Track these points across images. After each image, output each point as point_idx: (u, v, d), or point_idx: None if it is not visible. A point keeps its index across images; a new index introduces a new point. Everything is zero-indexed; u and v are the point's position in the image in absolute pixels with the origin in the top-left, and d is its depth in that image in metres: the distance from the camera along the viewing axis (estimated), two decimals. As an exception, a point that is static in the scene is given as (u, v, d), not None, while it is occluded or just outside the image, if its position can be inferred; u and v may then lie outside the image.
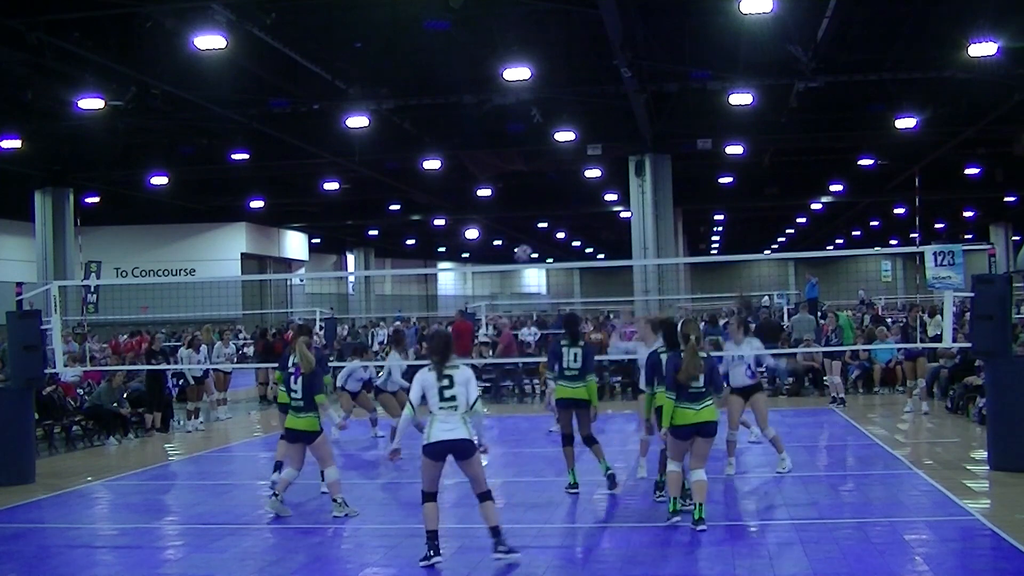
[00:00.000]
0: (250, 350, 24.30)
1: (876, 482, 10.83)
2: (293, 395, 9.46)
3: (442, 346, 7.91)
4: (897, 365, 19.71)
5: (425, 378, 7.80)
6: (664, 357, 9.08)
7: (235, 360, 19.68)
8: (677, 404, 8.50)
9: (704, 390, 8.53)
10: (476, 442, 7.74)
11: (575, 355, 10.21)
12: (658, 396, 9.19)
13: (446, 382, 7.68)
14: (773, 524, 8.74)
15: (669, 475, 8.83)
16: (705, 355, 8.68)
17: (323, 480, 10.06)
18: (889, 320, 26.66)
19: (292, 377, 9.48)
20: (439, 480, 7.77)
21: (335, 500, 9.55)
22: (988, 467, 10.98)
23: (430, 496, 7.72)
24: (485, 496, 7.77)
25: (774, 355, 19.57)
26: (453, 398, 7.66)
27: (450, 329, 21.24)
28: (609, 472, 10.32)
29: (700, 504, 8.48)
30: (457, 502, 9.76)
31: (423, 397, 7.81)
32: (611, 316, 27.74)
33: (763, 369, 12.14)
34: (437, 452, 7.67)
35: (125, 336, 27.30)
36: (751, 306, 13.27)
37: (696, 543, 8.08)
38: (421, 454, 7.74)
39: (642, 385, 9.78)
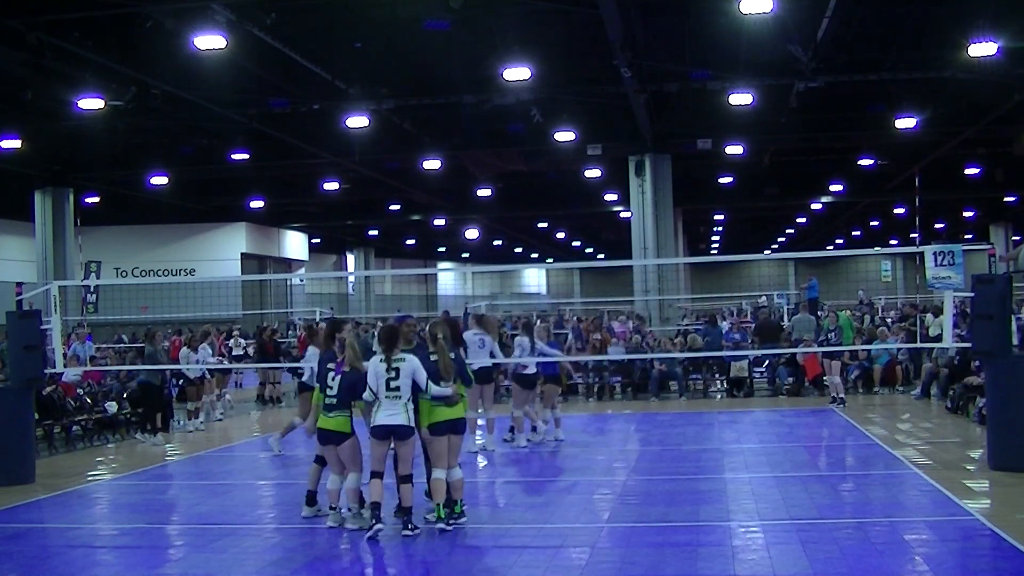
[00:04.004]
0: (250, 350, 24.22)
1: (876, 482, 10.83)
2: (328, 392, 8.76)
3: (388, 337, 8.53)
4: (897, 366, 19.74)
5: (376, 368, 8.47)
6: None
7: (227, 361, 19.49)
8: (435, 403, 8.56)
9: None
10: (413, 428, 8.49)
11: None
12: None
13: (392, 373, 8.39)
14: (773, 524, 8.73)
15: (436, 483, 8.57)
16: (453, 355, 8.90)
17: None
18: (889, 320, 26.66)
19: (332, 373, 8.79)
20: (384, 461, 8.60)
21: (349, 508, 8.91)
22: (988, 467, 10.98)
23: (377, 474, 8.53)
24: (405, 479, 8.51)
25: (774, 355, 19.80)
26: (397, 388, 8.39)
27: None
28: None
29: (440, 504, 8.52)
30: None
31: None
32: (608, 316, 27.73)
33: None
34: (380, 434, 8.50)
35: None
36: (530, 324, 15.62)
37: (696, 543, 8.08)
38: (369, 436, 8.59)
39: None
